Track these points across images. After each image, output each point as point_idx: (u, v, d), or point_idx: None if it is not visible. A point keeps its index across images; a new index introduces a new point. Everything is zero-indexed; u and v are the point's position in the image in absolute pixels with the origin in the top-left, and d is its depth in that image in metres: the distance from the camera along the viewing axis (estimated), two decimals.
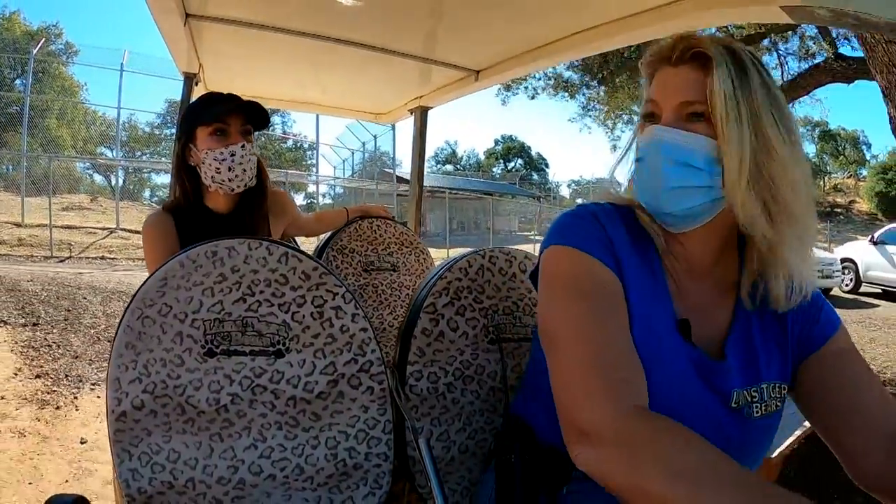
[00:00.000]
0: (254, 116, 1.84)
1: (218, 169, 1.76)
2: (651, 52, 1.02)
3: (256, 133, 1.90)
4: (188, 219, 1.82)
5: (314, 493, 1.29)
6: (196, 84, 2.40)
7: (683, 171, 0.93)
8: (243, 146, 1.77)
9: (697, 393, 0.96)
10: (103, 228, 14.05)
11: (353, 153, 25.08)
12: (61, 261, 10.95)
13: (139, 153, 28.35)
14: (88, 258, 11.60)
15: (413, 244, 2.71)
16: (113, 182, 24.76)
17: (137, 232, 12.42)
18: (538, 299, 1.00)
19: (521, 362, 1.44)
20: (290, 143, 33.13)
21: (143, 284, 1.20)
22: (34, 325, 5.59)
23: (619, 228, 1.00)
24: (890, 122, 4.24)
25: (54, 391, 4.24)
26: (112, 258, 11.84)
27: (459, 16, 1.73)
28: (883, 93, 3.92)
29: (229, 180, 1.79)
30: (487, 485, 1.24)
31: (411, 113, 2.92)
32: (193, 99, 2.27)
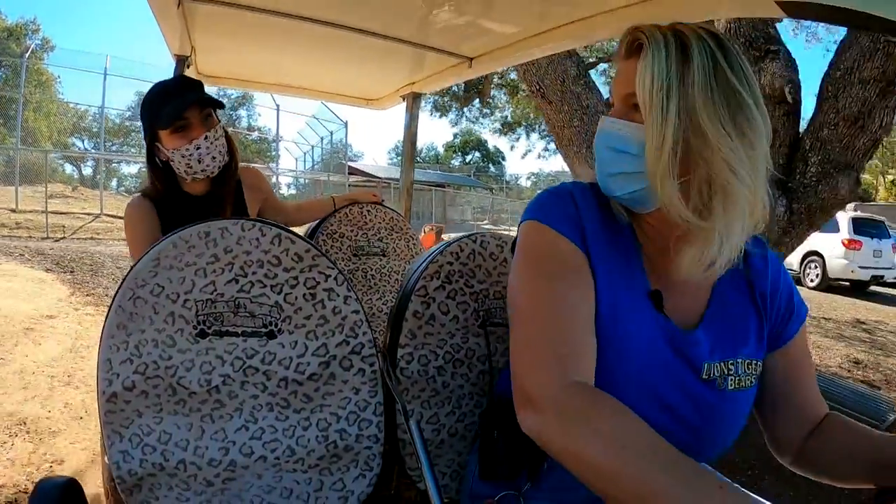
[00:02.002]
0: (212, 102, 1.83)
1: (188, 164, 1.78)
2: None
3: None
4: (168, 204, 1.83)
5: (305, 475, 1.30)
6: (188, 67, 2.38)
7: (618, 157, 0.98)
8: (206, 136, 1.77)
9: (668, 362, 1.00)
10: (88, 214, 15.66)
11: (312, 147, 26.15)
12: (57, 240, 12.10)
13: (109, 143, 29.70)
14: (79, 238, 12.91)
15: (403, 230, 2.71)
16: (84, 172, 29.46)
17: (119, 217, 13.32)
18: (511, 270, 1.05)
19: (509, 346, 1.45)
20: (255, 135, 34.75)
21: (134, 265, 1.20)
22: (71, 272, 7.44)
23: (592, 206, 1.04)
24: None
25: (103, 302, 6.05)
26: (100, 238, 13.12)
27: (455, 2, 1.73)
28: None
29: (202, 170, 1.81)
30: (472, 463, 1.26)
31: (403, 99, 2.91)
32: None
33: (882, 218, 15.28)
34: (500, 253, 1.45)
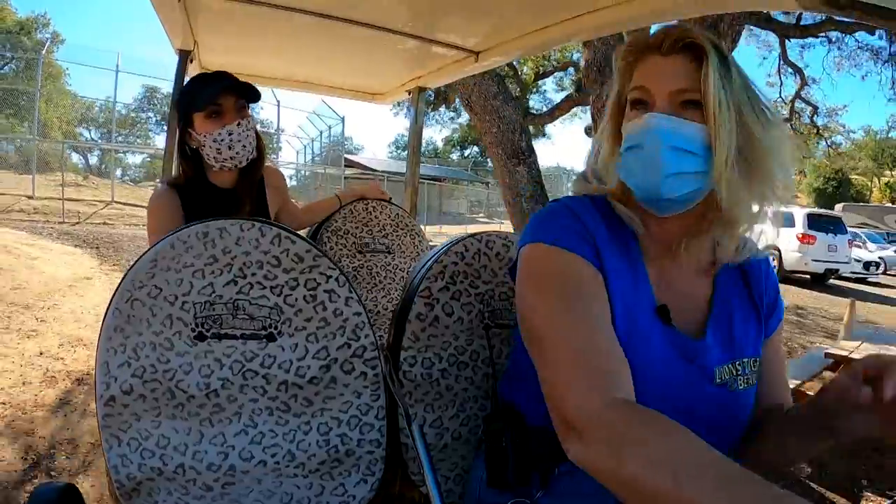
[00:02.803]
0: (246, 91, 1.86)
1: (218, 150, 1.81)
2: (633, 42, 1.05)
3: None
4: (193, 195, 1.85)
5: (305, 480, 1.28)
6: (191, 61, 2.36)
7: (682, 157, 0.96)
8: (239, 124, 1.81)
9: (682, 373, 1.01)
10: (100, 201, 16.49)
11: (311, 141, 27.04)
12: (73, 225, 12.89)
13: (116, 133, 30.65)
14: (93, 223, 13.79)
15: (408, 226, 2.68)
16: (91, 161, 31.28)
17: (129, 204, 16.11)
18: (517, 296, 1.04)
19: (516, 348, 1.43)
20: (258, 127, 35.46)
21: (132, 266, 1.18)
22: (96, 248, 8.69)
23: (598, 220, 1.03)
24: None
25: None
26: (112, 223, 14.01)
27: None
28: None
29: (231, 158, 1.83)
30: (478, 469, 1.24)
31: (409, 94, 2.88)
32: (188, 76, 2.25)
33: (840, 215, 16.60)
34: (506, 253, 1.42)
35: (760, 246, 1.09)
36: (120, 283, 1.17)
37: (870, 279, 17.52)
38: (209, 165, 1.88)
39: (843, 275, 15.52)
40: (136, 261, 1.18)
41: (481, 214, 31.97)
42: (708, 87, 0.94)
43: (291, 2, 1.91)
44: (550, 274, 0.98)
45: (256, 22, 2.11)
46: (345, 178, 24.75)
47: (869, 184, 46.30)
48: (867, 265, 17.65)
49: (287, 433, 1.26)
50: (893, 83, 9.20)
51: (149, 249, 1.19)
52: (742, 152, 0.96)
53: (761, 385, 1.11)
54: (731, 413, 1.04)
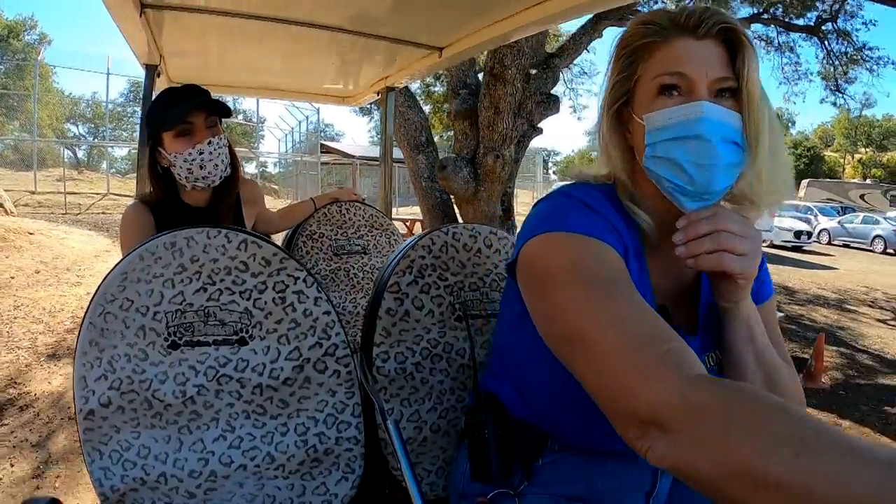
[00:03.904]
0: (217, 107, 1.80)
1: (190, 170, 1.75)
2: (655, 20, 0.95)
3: None
4: (167, 214, 1.79)
5: (286, 481, 1.29)
6: (158, 76, 2.36)
7: (733, 149, 0.92)
8: (210, 142, 1.74)
9: None
10: (97, 193, 17.98)
11: (291, 130, 27.74)
12: (76, 215, 14.34)
13: (102, 128, 33.61)
14: (93, 213, 15.21)
15: (383, 226, 2.69)
16: (79, 156, 32.68)
17: (123, 195, 17.61)
18: (530, 297, 0.94)
19: (489, 338, 1.43)
20: (240, 118, 36.53)
21: (103, 280, 1.19)
22: (107, 230, 10.09)
23: (616, 214, 0.97)
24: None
25: None
26: (110, 213, 15.29)
27: None
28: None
29: (203, 178, 1.77)
30: (461, 461, 1.23)
31: (378, 94, 2.89)
32: (156, 90, 2.25)
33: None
34: (474, 244, 1.44)
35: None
36: (92, 298, 1.18)
37: (804, 248, 19.46)
38: (182, 185, 1.82)
39: (776, 243, 18.38)
40: (107, 274, 1.19)
41: None
42: (751, 76, 0.90)
43: (254, 10, 1.90)
44: (581, 262, 0.87)
45: (221, 32, 2.11)
46: (322, 163, 25.68)
47: (842, 161, 47.02)
48: (798, 234, 19.45)
49: (265, 435, 1.27)
50: (782, 68, 9.91)
51: (119, 262, 1.20)
52: (771, 145, 0.94)
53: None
54: None
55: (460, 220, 5.13)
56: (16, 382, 3.95)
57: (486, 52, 4.59)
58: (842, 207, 27.09)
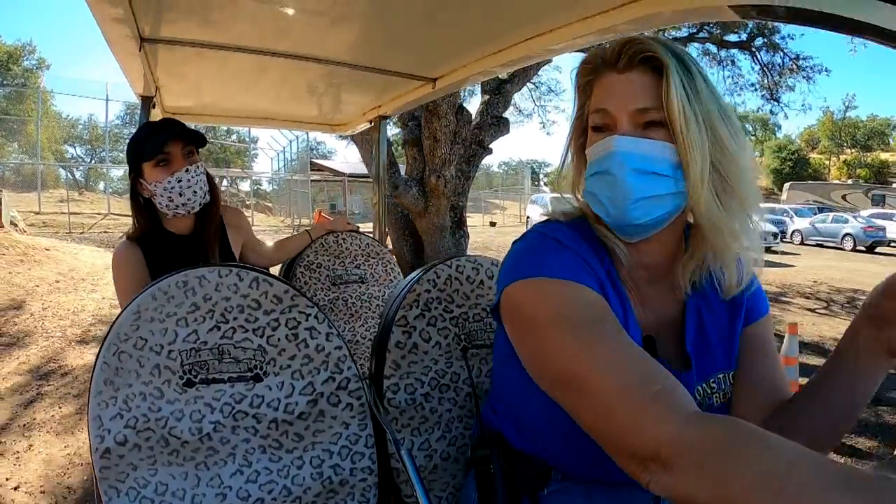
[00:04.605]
0: (193, 137, 1.88)
1: (170, 197, 1.82)
2: (590, 59, 0.99)
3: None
4: (153, 245, 1.86)
5: None
6: (153, 107, 2.38)
7: (651, 180, 0.91)
8: (187, 170, 1.82)
9: None
10: (98, 213, 19.37)
11: (283, 149, 28.56)
12: (80, 234, 15.12)
13: (100, 150, 35.43)
14: (96, 232, 16.05)
15: (379, 254, 2.73)
16: (76, 176, 33.69)
17: (123, 215, 18.40)
18: (516, 340, 0.96)
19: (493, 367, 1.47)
20: (234, 137, 38.19)
21: (116, 319, 1.21)
22: (112, 247, 10.09)
23: (587, 249, 0.98)
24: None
25: None
26: (112, 232, 16.04)
27: (414, 28, 1.74)
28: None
29: (182, 205, 1.85)
30: (469, 490, 1.25)
31: (370, 123, 2.93)
32: (152, 120, 2.27)
33: None
34: (476, 276, 1.48)
35: (753, 267, 1.05)
36: (105, 337, 1.20)
37: (773, 248, 19.51)
38: (163, 214, 1.89)
39: None
40: (119, 314, 1.21)
41: None
42: (671, 104, 0.88)
43: (249, 44, 1.93)
44: (564, 307, 0.88)
45: (216, 65, 2.13)
46: (313, 181, 26.72)
47: (827, 163, 47.68)
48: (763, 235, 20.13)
49: (281, 469, 1.30)
50: (724, 80, 10.51)
51: (130, 302, 1.22)
52: (718, 168, 0.91)
53: (746, 378, 1.07)
54: None
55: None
56: (55, 359, 5.02)
57: None
58: (818, 208, 27.68)
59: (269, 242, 2.37)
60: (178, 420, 1.22)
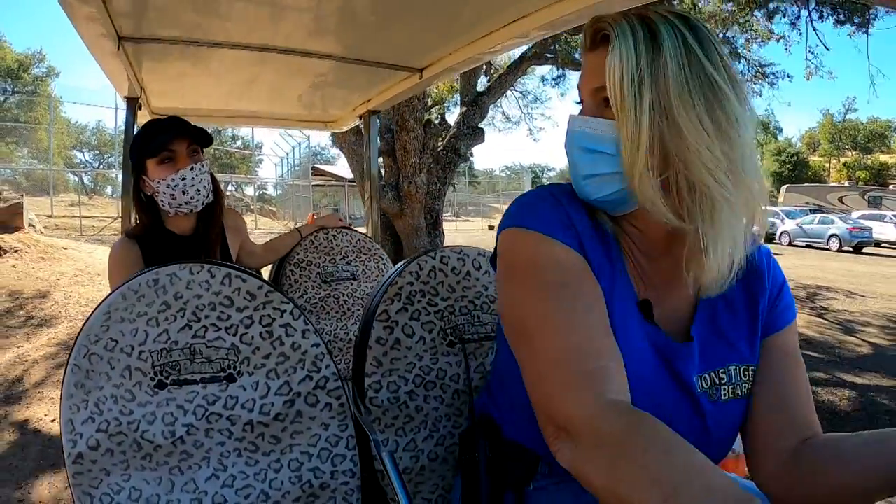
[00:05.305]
0: (199, 136, 1.85)
1: (173, 195, 1.80)
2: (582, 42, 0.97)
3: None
4: (153, 244, 1.84)
5: None
6: (140, 108, 2.35)
7: (594, 158, 0.90)
8: (192, 168, 1.80)
9: (656, 375, 0.92)
10: (108, 217, 19.63)
11: (287, 155, 29.61)
12: (91, 236, 15.65)
13: (107, 154, 37.41)
14: (106, 234, 16.53)
15: (371, 251, 2.68)
16: (84, 181, 34.08)
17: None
18: (497, 285, 0.97)
19: (484, 361, 1.42)
20: (239, 142, 39.58)
21: (87, 320, 1.17)
22: None
23: (579, 209, 0.95)
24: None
25: None
26: (122, 235, 16.65)
27: (400, 17, 1.71)
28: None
29: (186, 203, 1.82)
30: (457, 489, 1.21)
31: (360, 118, 2.89)
32: (138, 123, 2.24)
33: None
34: (462, 267, 1.42)
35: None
36: (76, 339, 1.16)
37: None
38: (165, 212, 1.87)
39: None
40: (90, 315, 1.17)
41: (448, 213, 33.86)
42: (611, 81, 0.85)
43: (233, 39, 1.89)
44: (533, 262, 0.89)
45: (200, 63, 2.10)
46: (316, 185, 27.87)
47: (827, 165, 47.98)
48: None
49: (258, 473, 1.25)
50: None
51: (101, 302, 1.18)
52: (671, 152, 0.83)
53: (762, 397, 0.98)
54: (708, 425, 0.95)
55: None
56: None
57: (391, 108, 5.85)
58: (811, 210, 27.87)
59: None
60: (150, 423, 1.18)
